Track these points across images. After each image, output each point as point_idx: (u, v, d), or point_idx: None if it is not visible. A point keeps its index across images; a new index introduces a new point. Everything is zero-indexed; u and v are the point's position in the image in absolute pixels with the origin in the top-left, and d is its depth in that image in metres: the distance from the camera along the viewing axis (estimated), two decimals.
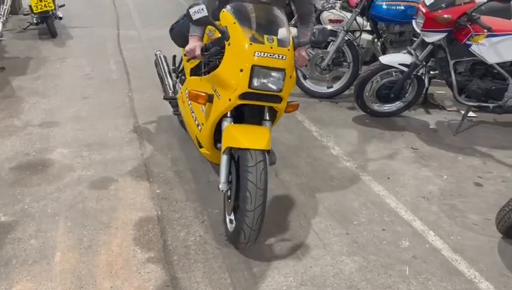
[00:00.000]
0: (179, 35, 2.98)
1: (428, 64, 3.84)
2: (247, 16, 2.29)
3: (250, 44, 2.15)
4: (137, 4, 9.19)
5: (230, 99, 2.22)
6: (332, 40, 4.29)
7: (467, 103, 3.70)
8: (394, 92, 3.84)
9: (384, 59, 3.75)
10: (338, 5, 4.60)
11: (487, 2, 3.28)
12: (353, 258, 2.34)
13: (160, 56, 3.71)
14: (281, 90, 2.23)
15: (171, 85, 3.44)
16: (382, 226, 2.61)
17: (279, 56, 2.18)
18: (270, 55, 2.16)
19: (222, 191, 2.31)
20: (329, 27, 4.25)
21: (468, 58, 3.57)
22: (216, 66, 2.34)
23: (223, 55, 2.28)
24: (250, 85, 2.16)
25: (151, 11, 8.59)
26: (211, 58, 2.47)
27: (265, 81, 2.18)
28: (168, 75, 3.52)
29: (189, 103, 2.76)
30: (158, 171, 3.11)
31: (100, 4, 9.07)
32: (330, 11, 4.61)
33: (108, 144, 3.44)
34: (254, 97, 2.22)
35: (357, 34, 4.35)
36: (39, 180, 2.94)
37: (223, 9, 2.37)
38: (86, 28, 7.00)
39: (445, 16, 3.35)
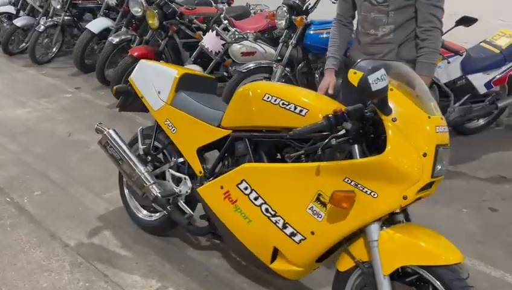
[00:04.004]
0: None
1: None
2: (393, 76, 1.62)
3: (429, 117, 1.56)
4: None
5: (405, 197, 1.54)
6: (265, 78, 3.69)
7: None
8: None
9: None
10: (251, 36, 3.99)
11: (455, 26, 3.27)
12: None
13: (110, 133, 2.40)
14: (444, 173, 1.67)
15: (147, 175, 2.28)
16: None
17: (446, 128, 1.64)
18: (444, 129, 1.61)
19: None
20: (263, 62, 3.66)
21: None
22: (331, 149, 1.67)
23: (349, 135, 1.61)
24: (433, 173, 1.56)
25: None
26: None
27: (441, 165, 1.60)
28: (137, 160, 2.33)
29: (258, 201, 1.84)
30: None
31: None
32: (241, 43, 3.97)
33: None
34: (424, 188, 1.60)
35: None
36: None
37: (352, 70, 1.64)
38: None
39: None
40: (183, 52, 4.49)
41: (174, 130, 2.25)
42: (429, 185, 1.68)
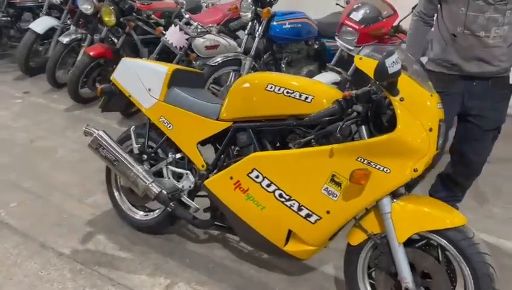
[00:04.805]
0: None
1: None
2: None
3: (431, 95, 1.72)
4: None
5: (416, 170, 1.69)
6: (234, 70, 3.73)
7: None
8: None
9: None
10: (214, 29, 3.99)
11: (411, 13, 3.49)
12: None
13: (101, 135, 2.33)
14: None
15: (145, 174, 2.25)
16: None
17: (442, 105, 1.80)
18: (441, 106, 1.78)
19: None
20: (230, 55, 3.70)
21: None
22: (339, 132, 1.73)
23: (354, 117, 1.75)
24: (437, 146, 1.71)
25: None
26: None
27: (442, 138, 1.76)
28: (133, 160, 2.29)
29: (270, 187, 1.92)
30: None
31: None
32: (204, 36, 3.97)
33: None
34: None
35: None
36: None
37: (358, 56, 1.74)
38: None
39: (379, 29, 3.40)
40: (142, 49, 4.39)
41: (170, 126, 2.24)
42: None
